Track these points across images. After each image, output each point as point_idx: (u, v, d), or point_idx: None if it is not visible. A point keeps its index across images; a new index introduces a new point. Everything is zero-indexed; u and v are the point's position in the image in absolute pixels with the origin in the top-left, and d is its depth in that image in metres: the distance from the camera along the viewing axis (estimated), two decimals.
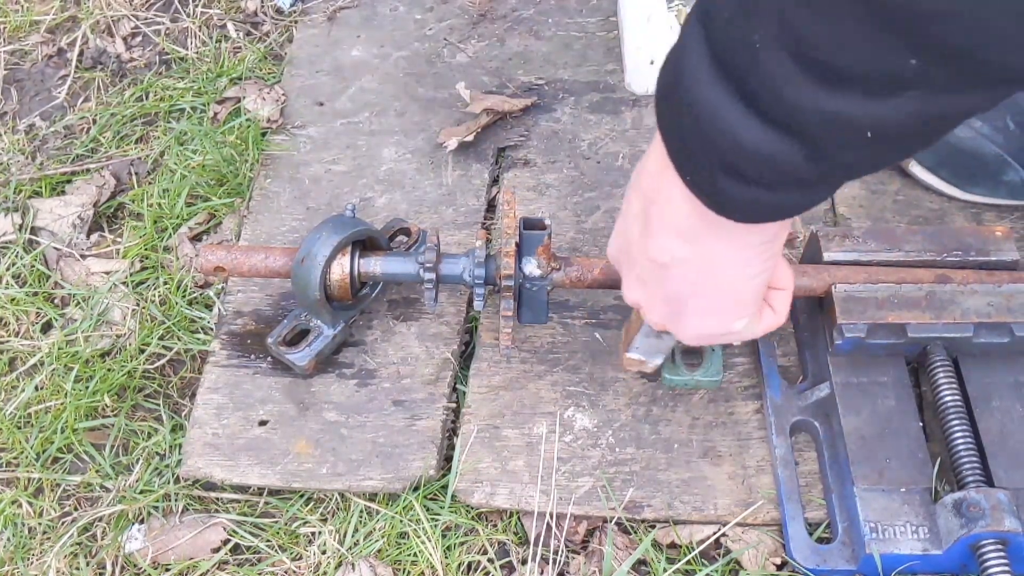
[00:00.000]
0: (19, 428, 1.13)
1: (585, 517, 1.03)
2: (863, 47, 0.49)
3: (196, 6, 1.56)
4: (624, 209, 0.76)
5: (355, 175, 1.31)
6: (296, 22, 1.52)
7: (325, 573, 1.01)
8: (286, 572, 1.02)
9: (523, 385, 1.11)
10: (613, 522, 1.02)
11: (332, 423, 1.09)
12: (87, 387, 1.14)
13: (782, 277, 0.81)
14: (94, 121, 1.43)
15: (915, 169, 1.23)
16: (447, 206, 1.27)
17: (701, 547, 1.00)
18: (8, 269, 1.26)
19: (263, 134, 1.36)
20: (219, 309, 1.19)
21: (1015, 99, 1.17)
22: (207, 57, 1.49)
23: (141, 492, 1.07)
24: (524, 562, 1.00)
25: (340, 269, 1.07)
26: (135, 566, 1.03)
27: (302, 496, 1.07)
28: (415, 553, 1.01)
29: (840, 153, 0.57)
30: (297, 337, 1.12)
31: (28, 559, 1.04)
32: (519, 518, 1.04)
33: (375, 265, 1.09)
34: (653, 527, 1.02)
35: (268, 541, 1.04)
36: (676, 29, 1.41)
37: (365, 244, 1.10)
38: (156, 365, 1.17)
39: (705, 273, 0.71)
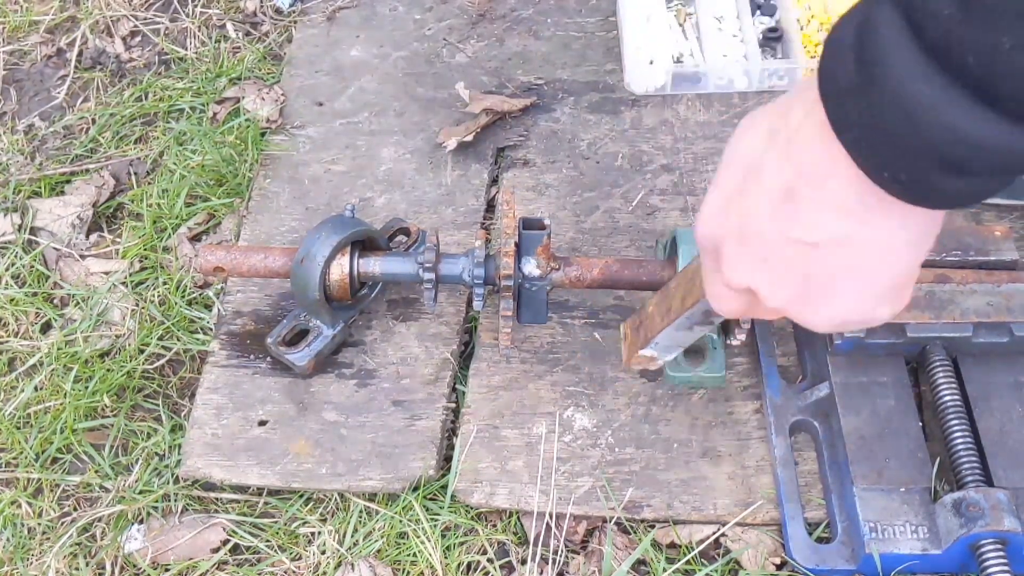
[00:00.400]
0: (18, 428, 1.13)
1: (584, 517, 1.03)
2: None
3: (195, 6, 1.56)
4: (733, 181, 0.70)
5: (354, 175, 1.31)
6: (295, 22, 1.52)
7: (324, 573, 1.01)
8: (285, 572, 1.01)
9: (523, 385, 1.11)
10: (613, 522, 1.02)
11: (332, 423, 1.09)
12: (86, 387, 1.14)
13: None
14: (93, 121, 1.43)
15: None
16: (446, 206, 1.27)
17: (701, 547, 1.00)
18: (7, 269, 1.26)
19: (262, 134, 1.36)
20: (218, 309, 1.19)
21: None
22: (206, 57, 1.49)
23: (140, 492, 1.07)
24: (524, 562, 1.00)
25: (339, 269, 1.07)
26: (135, 566, 1.03)
27: (301, 496, 1.06)
28: (415, 553, 1.01)
29: None
30: (296, 337, 1.12)
31: (28, 559, 1.04)
32: (519, 518, 1.04)
33: (374, 265, 1.09)
34: (653, 527, 1.02)
35: (268, 541, 1.04)
36: (675, 29, 1.41)
37: (364, 244, 1.10)
38: (155, 365, 1.17)
39: (870, 255, 0.67)
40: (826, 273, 0.68)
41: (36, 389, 1.15)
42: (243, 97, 1.40)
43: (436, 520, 1.02)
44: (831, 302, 0.70)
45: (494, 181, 1.31)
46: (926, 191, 0.61)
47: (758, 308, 0.75)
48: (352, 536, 1.03)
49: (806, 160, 0.64)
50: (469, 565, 1.01)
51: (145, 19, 1.56)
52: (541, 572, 1.00)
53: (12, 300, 1.23)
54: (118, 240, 1.30)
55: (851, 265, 0.67)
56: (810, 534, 0.99)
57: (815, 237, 0.66)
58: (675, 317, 0.90)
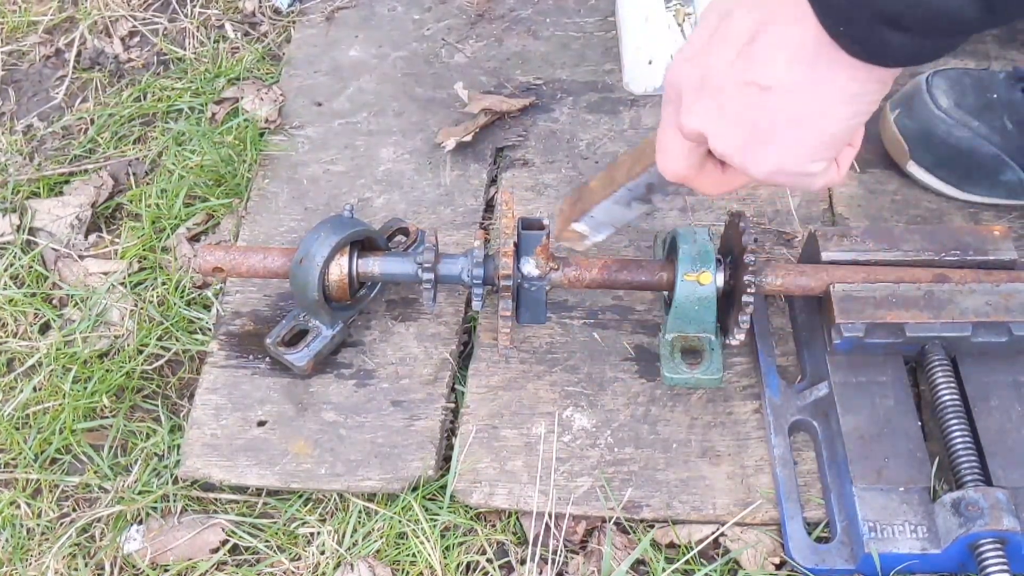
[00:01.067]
0: (17, 429, 1.13)
1: (584, 517, 1.03)
2: None
3: (194, 6, 1.56)
4: (707, 30, 0.75)
5: (353, 175, 1.31)
6: (294, 22, 1.52)
7: (324, 573, 1.01)
8: (285, 572, 1.01)
9: (522, 385, 1.11)
10: (612, 522, 1.02)
11: (331, 423, 1.09)
12: (85, 388, 1.14)
13: (857, 136, 0.81)
14: (92, 122, 1.43)
15: (912, 169, 1.23)
16: (445, 206, 1.27)
17: (700, 547, 1.00)
18: (6, 270, 1.26)
19: (261, 134, 1.36)
20: (217, 310, 1.19)
21: (1011, 99, 1.18)
22: (205, 57, 1.49)
23: (140, 493, 1.07)
24: (523, 562, 1.00)
25: (339, 270, 1.07)
26: (134, 567, 1.03)
27: (301, 496, 1.06)
28: (414, 553, 1.01)
29: (1016, 5, 0.63)
30: (296, 337, 1.12)
31: (27, 560, 1.04)
32: (518, 518, 1.04)
33: (373, 265, 1.09)
34: (652, 527, 1.02)
35: (267, 541, 1.04)
36: (674, 28, 1.41)
37: (363, 244, 1.10)
38: (154, 366, 1.17)
39: (811, 104, 0.72)
40: (771, 120, 0.73)
41: (35, 390, 1.15)
42: (242, 97, 1.40)
43: (435, 520, 1.02)
44: (771, 149, 0.75)
45: (493, 181, 1.31)
46: (874, 46, 0.67)
47: (701, 172, 0.82)
48: (351, 536, 1.03)
49: (774, 8, 0.71)
50: (468, 565, 1.01)
51: (144, 19, 1.56)
52: (540, 572, 1.00)
53: (11, 301, 1.23)
54: (117, 240, 1.30)
55: (795, 114, 0.72)
56: (809, 534, 0.99)
57: (768, 80, 0.71)
58: (617, 188, 0.90)
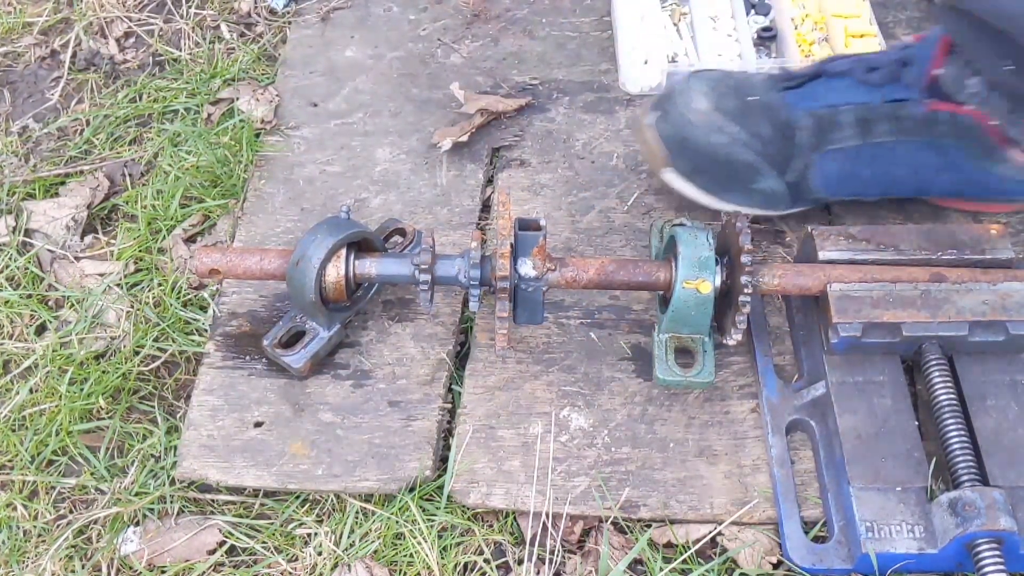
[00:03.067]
0: (13, 431, 1.12)
1: (581, 517, 1.03)
2: None
3: (189, 7, 1.56)
4: None
5: (349, 176, 1.31)
6: (290, 23, 1.52)
7: (321, 574, 1.00)
8: (282, 573, 1.01)
9: (519, 385, 1.11)
10: (609, 522, 1.02)
11: (328, 424, 1.09)
12: (82, 389, 1.14)
13: None
14: (87, 123, 1.42)
15: (669, 176, 1.17)
16: (442, 206, 1.27)
17: (697, 546, 1.00)
18: (2, 271, 1.26)
19: (257, 135, 1.36)
20: (214, 311, 1.19)
21: (770, 102, 1.13)
22: (200, 58, 1.49)
23: (136, 494, 1.07)
24: (520, 562, 1.00)
25: (335, 272, 1.07)
26: (131, 568, 1.03)
27: (298, 497, 1.06)
28: (411, 554, 1.01)
29: None
30: (293, 339, 1.12)
31: (23, 562, 1.04)
32: (515, 518, 1.04)
33: (370, 267, 1.09)
34: (649, 526, 1.02)
35: (264, 543, 1.03)
36: (670, 28, 1.42)
37: (360, 245, 1.10)
38: (151, 367, 1.17)
39: None
40: None
41: (31, 391, 1.15)
42: (237, 98, 1.39)
43: (432, 521, 1.02)
44: None
45: (489, 181, 1.31)
46: None
47: None
48: (348, 537, 1.03)
49: None
50: (466, 565, 1.01)
51: (139, 20, 1.56)
52: (538, 572, 1.00)
53: (7, 302, 1.23)
54: (113, 242, 1.29)
55: None
56: (806, 533, 0.99)
57: None
58: None
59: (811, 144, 1.12)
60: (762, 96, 1.14)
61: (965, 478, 0.95)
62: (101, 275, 1.26)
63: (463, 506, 1.04)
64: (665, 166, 1.16)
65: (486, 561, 1.01)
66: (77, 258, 1.28)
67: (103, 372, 1.15)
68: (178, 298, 1.21)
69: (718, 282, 1.03)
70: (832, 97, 1.13)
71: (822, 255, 1.06)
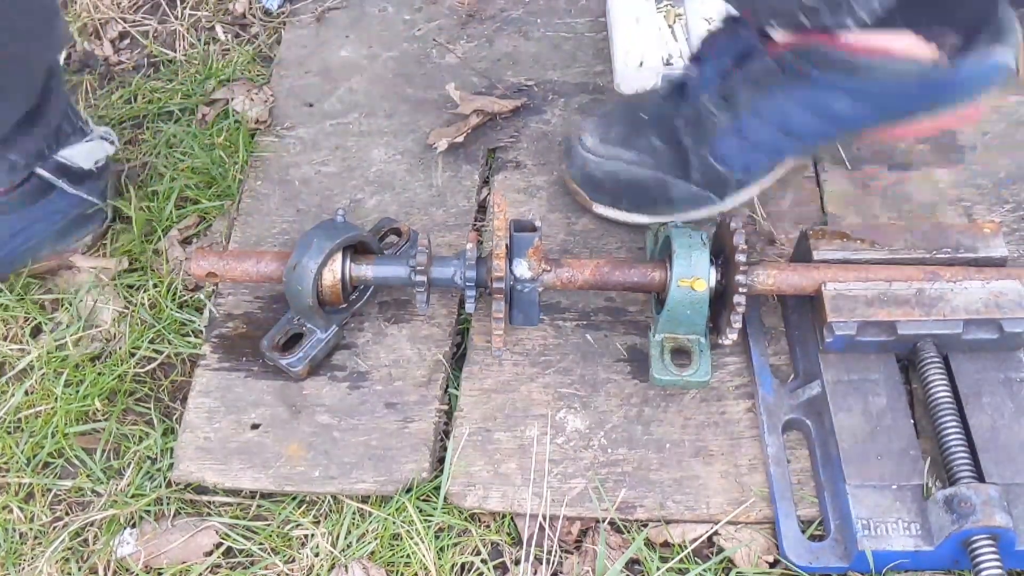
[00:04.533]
0: (9, 433, 1.12)
1: (578, 518, 1.03)
2: None
3: (184, 8, 1.55)
4: None
5: (345, 176, 1.31)
6: (284, 23, 1.52)
7: (318, 575, 1.01)
8: (279, 575, 1.01)
9: (515, 387, 1.11)
10: (606, 522, 1.02)
11: (324, 426, 1.09)
12: (77, 391, 1.14)
13: None
14: None
15: (599, 209, 1.22)
16: (437, 207, 1.27)
17: (694, 546, 1.00)
18: None
19: (252, 136, 1.36)
20: (210, 312, 1.19)
21: (660, 115, 1.16)
22: (195, 59, 1.49)
23: (133, 496, 1.07)
24: (517, 563, 1.01)
25: (332, 275, 1.07)
26: (127, 570, 1.03)
27: (295, 499, 1.06)
28: (408, 555, 1.01)
29: None
30: (290, 341, 1.12)
31: (20, 565, 1.04)
32: (512, 518, 1.04)
33: (367, 270, 1.09)
34: (646, 526, 1.02)
35: (261, 544, 1.03)
36: (665, 30, 1.42)
37: (356, 248, 1.10)
38: (147, 369, 1.17)
39: None
40: None
41: (27, 393, 1.15)
42: (232, 98, 1.39)
43: (429, 521, 1.02)
44: None
45: (485, 182, 1.31)
46: None
47: None
48: (345, 538, 1.03)
49: None
50: (463, 566, 1.01)
51: (134, 21, 1.55)
52: (535, 572, 1.00)
53: (2, 305, 1.23)
54: (108, 244, 1.29)
55: None
56: (803, 532, 0.99)
57: None
58: None
59: (696, 140, 1.14)
60: (652, 111, 1.18)
61: (961, 475, 0.95)
62: (97, 277, 1.25)
63: (460, 508, 1.04)
64: (591, 204, 1.22)
65: (483, 562, 1.01)
66: (72, 260, 1.28)
67: (99, 374, 1.15)
68: (174, 299, 1.21)
69: (713, 281, 1.04)
70: (700, 89, 1.14)
71: (817, 255, 1.06)
